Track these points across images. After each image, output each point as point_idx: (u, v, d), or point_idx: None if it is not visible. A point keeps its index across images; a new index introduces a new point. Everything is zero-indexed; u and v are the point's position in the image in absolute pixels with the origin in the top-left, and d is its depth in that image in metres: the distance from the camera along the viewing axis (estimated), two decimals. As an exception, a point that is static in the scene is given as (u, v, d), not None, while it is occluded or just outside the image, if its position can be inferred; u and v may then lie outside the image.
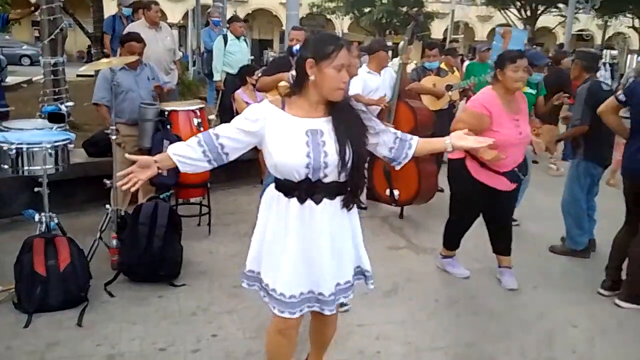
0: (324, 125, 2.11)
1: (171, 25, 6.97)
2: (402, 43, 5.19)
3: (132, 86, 4.35)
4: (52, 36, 5.62)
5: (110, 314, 3.26)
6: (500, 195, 3.69)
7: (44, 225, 3.50)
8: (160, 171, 2.12)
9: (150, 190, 4.45)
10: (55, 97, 5.66)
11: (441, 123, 5.78)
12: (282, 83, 4.26)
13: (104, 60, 4.03)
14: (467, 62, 10.92)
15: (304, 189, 2.11)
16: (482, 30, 35.52)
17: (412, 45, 5.09)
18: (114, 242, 3.76)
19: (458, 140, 2.25)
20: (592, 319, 3.52)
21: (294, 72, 2.24)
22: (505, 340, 3.20)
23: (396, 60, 6.16)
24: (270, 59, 13.53)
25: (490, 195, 3.69)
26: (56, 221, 3.57)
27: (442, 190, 5.89)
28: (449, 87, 5.75)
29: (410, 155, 2.28)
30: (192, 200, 4.79)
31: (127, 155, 2.11)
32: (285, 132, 2.07)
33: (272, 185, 2.22)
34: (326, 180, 2.11)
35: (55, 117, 3.79)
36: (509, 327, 3.36)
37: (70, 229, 3.75)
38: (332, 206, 2.17)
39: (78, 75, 10.44)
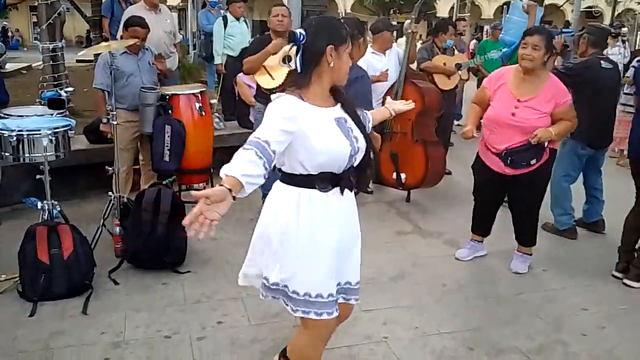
0: (342, 112, 2.07)
1: (171, 8, 6.88)
2: (407, 22, 5.09)
3: (134, 71, 4.29)
4: (50, 21, 5.54)
5: (115, 301, 3.24)
6: (513, 182, 3.62)
7: (46, 213, 3.48)
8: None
9: (152, 176, 4.41)
10: (55, 82, 5.60)
11: (449, 103, 5.72)
12: (272, 62, 4.04)
13: (103, 44, 3.97)
14: (474, 41, 10.80)
15: (346, 178, 2.05)
16: (489, 8, 34.96)
17: (418, 24, 4.98)
18: (117, 229, 3.72)
19: (391, 105, 2.58)
20: (602, 302, 3.47)
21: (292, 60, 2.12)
22: (514, 325, 3.16)
23: (402, 40, 6.06)
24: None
25: (497, 178, 3.65)
26: (59, 209, 3.56)
27: (449, 173, 5.84)
28: (458, 66, 5.66)
29: (370, 128, 2.36)
30: (195, 186, 4.73)
31: (194, 193, 1.65)
32: (320, 124, 1.96)
33: (287, 187, 2.05)
34: (354, 165, 2.09)
35: (55, 103, 3.75)
36: (517, 311, 3.32)
37: (73, 217, 3.73)
38: (352, 191, 2.16)
39: (77, 61, 10.37)
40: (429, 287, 3.56)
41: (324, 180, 2.00)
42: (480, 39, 10.61)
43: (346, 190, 2.08)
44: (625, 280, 3.70)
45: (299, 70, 1.99)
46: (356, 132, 2.05)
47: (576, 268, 3.94)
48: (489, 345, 2.95)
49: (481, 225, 4.01)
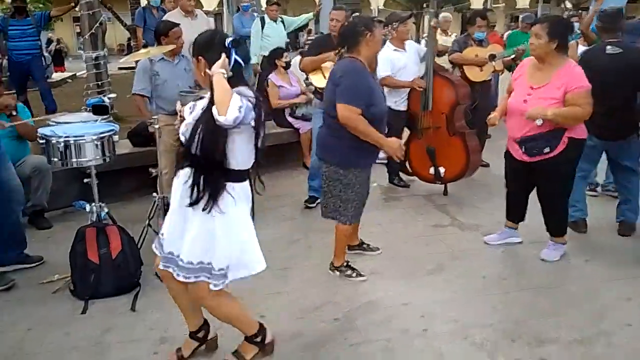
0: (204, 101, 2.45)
1: (207, 13, 7.00)
2: (428, 16, 5.05)
3: (171, 76, 4.40)
4: (92, 30, 5.73)
5: (161, 299, 3.30)
6: (534, 170, 3.65)
7: (94, 215, 3.59)
8: None
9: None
10: (99, 90, 5.80)
11: (483, 94, 5.66)
12: (328, 64, 4.34)
13: (143, 50, 4.09)
14: (508, 32, 10.59)
15: (184, 155, 2.53)
16: (524, -2, 34.14)
17: (438, 17, 4.95)
18: (162, 228, 3.83)
19: None
20: (645, 293, 3.39)
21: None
22: (555, 316, 3.12)
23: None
24: (309, 41, 13.32)
25: (521, 165, 3.69)
26: (106, 211, 3.65)
27: (487, 165, 5.79)
28: (492, 57, 5.58)
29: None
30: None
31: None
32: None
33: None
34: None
35: (99, 110, 3.87)
36: (559, 303, 3.27)
37: (120, 218, 3.83)
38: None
39: (120, 68, 10.69)
40: (468, 280, 3.55)
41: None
42: (516, 28, 10.40)
43: (183, 170, 2.41)
44: None
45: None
46: (190, 118, 2.38)
47: (616, 259, 3.84)
48: (530, 337, 2.92)
49: (512, 212, 4.00)
